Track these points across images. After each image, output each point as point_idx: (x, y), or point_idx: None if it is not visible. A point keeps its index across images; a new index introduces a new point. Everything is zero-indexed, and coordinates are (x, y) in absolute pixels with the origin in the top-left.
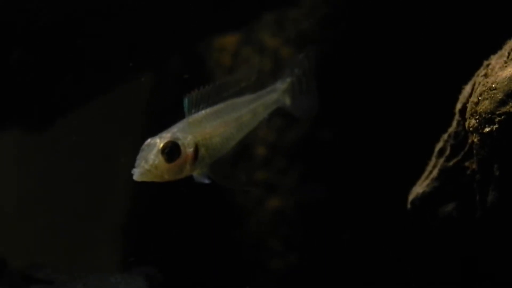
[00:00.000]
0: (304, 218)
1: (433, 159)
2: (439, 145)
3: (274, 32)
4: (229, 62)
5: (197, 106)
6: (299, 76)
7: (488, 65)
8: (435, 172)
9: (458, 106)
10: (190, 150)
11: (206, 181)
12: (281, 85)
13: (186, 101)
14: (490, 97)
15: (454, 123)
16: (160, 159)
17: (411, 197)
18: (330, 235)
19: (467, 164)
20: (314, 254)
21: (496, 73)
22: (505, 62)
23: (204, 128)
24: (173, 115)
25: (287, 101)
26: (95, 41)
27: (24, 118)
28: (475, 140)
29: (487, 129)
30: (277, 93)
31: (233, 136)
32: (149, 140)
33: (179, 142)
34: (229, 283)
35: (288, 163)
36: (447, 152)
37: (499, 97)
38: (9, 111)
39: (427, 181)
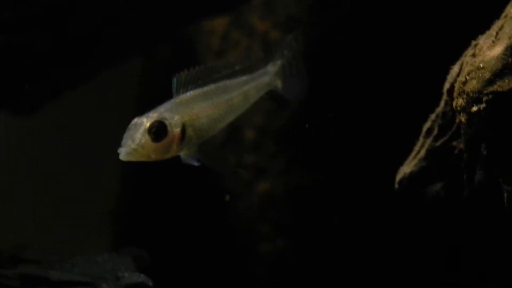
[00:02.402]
0: (293, 202)
1: (421, 139)
2: (426, 125)
3: (263, 15)
4: (218, 45)
5: (185, 86)
6: (289, 59)
7: (476, 45)
8: (422, 152)
9: (446, 86)
10: (177, 130)
11: (194, 162)
12: (272, 68)
13: (174, 81)
14: (477, 76)
15: (442, 103)
16: (146, 139)
17: (398, 177)
18: (320, 219)
19: (454, 143)
20: (304, 239)
21: (484, 52)
22: (493, 42)
23: (192, 108)
24: (162, 99)
25: (279, 84)
26: (84, 24)
27: (12, 102)
28: (463, 119)
29: (474, 109)
30: (269, 76)
31: (223, 118)
32: (135, 120)
33: (166, 122)
34: (218, 266)
35: (277, 147)
36: (435, 132)
37: (487, 77)
38: None
39: (415, 161)
